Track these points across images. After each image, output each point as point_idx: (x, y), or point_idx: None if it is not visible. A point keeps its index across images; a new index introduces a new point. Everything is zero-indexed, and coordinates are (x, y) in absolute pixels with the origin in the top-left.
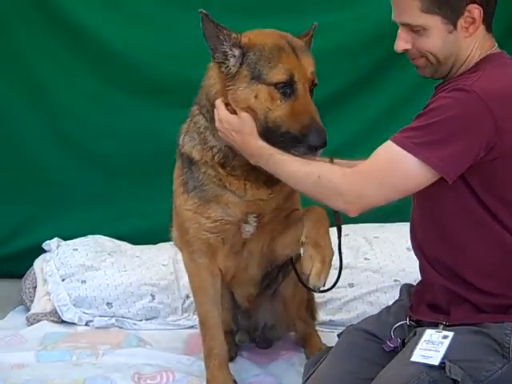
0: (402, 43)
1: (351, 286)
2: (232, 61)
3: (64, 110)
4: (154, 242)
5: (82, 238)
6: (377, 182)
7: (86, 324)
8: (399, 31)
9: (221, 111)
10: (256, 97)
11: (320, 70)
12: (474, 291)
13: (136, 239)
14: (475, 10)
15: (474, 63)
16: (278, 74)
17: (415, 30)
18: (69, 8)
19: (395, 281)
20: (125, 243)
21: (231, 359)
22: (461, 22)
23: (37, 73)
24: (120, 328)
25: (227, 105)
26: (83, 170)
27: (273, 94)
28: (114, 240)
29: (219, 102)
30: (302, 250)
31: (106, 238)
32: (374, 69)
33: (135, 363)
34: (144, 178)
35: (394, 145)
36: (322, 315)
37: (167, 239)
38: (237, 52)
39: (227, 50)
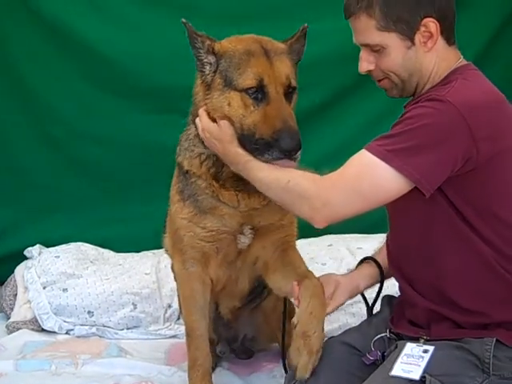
0: (365, 64)
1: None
2: (208, 68)
3: (51, 113)
4: (139, 249)
5: (64, 245)
6: (345, 189)
7: (67, 333)
8: (361, 53)
9: (203, 120)
10: (229, 104)
11: (303, 79)
12: (454, 309)
13: (120, 245)
14: (431, 24)
15: (442, 77)
16: (247, 79)
17: (375, 49)
18: (57, 13)
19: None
20: (108, 251)
21: (212, 370)
22: (418, 37)
23: (24, 77)
24: (101, 337)
25: (210, 114)
26: (68, 175)
27: (245, 100)
28: (96, 248)
29: (202, 112)
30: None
31: (88, 245)
32: (356, 80)
33: (115, 373)
34: (130, 184)
35: (367, 152)
36: None
37: (152, 245)
38: (212, 59)
39: (203, 57)
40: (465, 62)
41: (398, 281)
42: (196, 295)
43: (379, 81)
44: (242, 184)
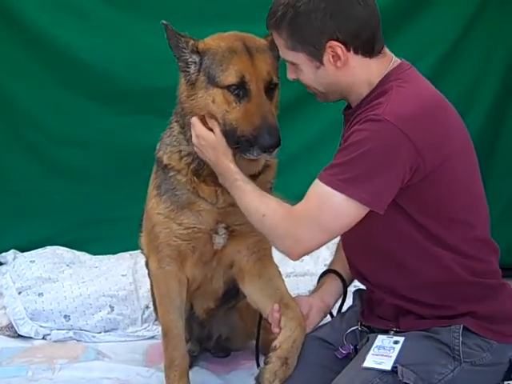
0: (289, 74)
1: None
2: (192, 68)
3: (26, 118)
4: (116, 250)
5: (40, 249)
6: (309, 224)
7: (43, 338)
8: (287, 64)
9: (197, 127)
10: (213, 101)
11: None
12: (416, 304)
13: (97, 247)
14: (337, 47)
15: (374, 84)
16: (229, 76)
17: (292, 62)
18: (33, 17)
19: (355, 286)
20: (84, 253)
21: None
22: (327, 58)
23: (0, 82)
24: (78, 341)
25: (204, 122)
26: (43, 179)
27: (227, 97)
28: (72, 251)
29: (195, 120)
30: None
31: (64, 248)
32: None
33: (93, 377)
34: (106, 186)
35: (322, 183)
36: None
37: (128, 247)
38: (196, 58)
39: (187, 57)
40: (398, 63)
41: (361, 283)
42: (172, 294)
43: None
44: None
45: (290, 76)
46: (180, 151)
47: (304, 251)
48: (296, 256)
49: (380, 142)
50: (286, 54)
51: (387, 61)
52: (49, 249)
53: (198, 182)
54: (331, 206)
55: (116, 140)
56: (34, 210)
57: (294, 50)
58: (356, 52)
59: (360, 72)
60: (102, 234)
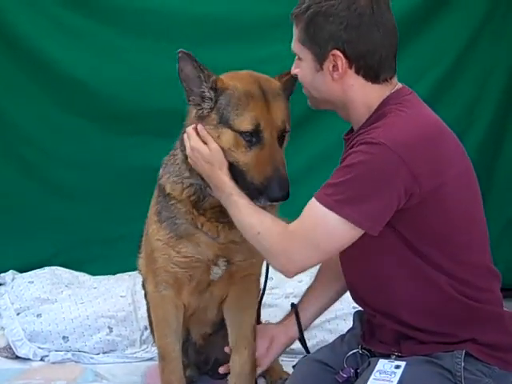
0: (293, 68)
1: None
2: (207, 103)
3: (22, 136)
4: (115, 271)
5: (39, 269)
6: (303, 244)
7: (41, 359)
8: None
9: (192, 139)
10: (219, 137)
11: None
12: (417, 330)
13: (96, 268)
14: (338, 58)
15: (373, 107)
16: (244, 123)
17: (298, 56)
18: (28, 36)
19: (354, 308)
20: (83, 274)
21: None
22: (327, 65)
23: None
24: (76, 362)
25: (198, 135)
26: (41, 199)
27: (238, 141)
28: (71, 271)
29: (191, 130)
30: None
31: (63, 269)
32: None
33: None
34: (104, 205)
35: (317, 203)
36: None
37: (128, 267)
38: (212, 94)
39: (205, 91)
40: (399, 87)
41: (361, 308)
42: (169, 318)
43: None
44: (223, 216)
45: (293, 70)
46: (182, 182)
47: (298, 270)
48: (291, 274)
49: (376, 164)
50: (296, 46)
51: (390, 87)
52: (47, 269)
53: (198, 214)
54: (325, 225)
55: (114, 160)
56: (33, 231)
57: (304, 44)
58: (357, 72)
59: (356, 92)
60: (101, 254)
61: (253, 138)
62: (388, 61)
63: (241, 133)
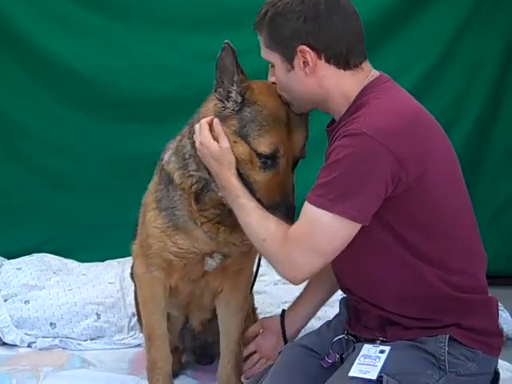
0: (269, 77)
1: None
2: (231, 105)
3: (16, 127)
4: (104, 258)
5: (27, 256)
6: (305, 249)
7: (29, 346)
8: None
9: (203, 134)
10: (235, 146)
11: None
12: (401, 317)
13: (85, 255)
14: (306, 53)
15: (352, 97)
16: (263, 146)
17: (271, 64)
18: (22, 26)
19: (342, 295)
20: (72, 261)
21: (175, 375)
22: (297, 62)
23: None
24: (64, 349)
25: (211, 129)
26: (32, 186)
27: (253, 159)
28: (60, 258)
29: (204, 123)
30: None
31: (51, 256)
32: None
33: None
34: (96, 193)
35: (310, 205)
36: None
37: (117, 254)
38: (239, 99)
39: (232, 93)
40: (376, 76)
41: (346, 295)
42: (157, 297)
43: None
44: (225, 218)
45: (270, 79)
46: (190, 175)
47: (303, 276)
48: (297, 281)
49: (361, 156)
50: (265, 53)
51: (365, 75)
52: (36, 256)
53: (199, 211)
54: (322, 227)
55: (107, 148)
56: (22, 218)
57: (270, 48)
58: (328, 61)
59: (331, 83)
60: (90, 242)
61: (268, 161)
62: (356, 46)
63: (258, 153)
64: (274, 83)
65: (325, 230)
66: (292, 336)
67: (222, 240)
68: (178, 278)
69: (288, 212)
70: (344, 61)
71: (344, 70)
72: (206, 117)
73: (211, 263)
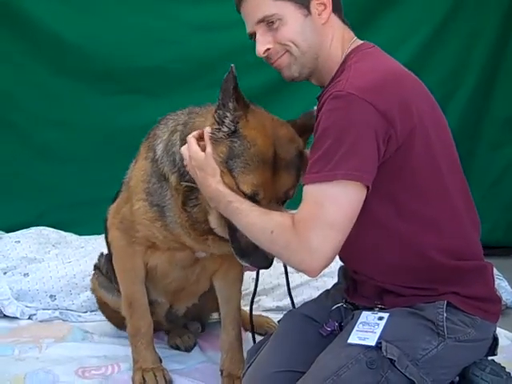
0: (263, 44)
1: (297, 271)
2: (224, 129)
3: (9, 99)
4: (101, 231)
5: (25, 229)
6: (316, 227)
7: (29, 318)
8: (257, 37)
9: (191, 148)
10: (223, 176)
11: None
12: (398, 286)
13: (83, 228)
14: None
15: (339, 60)
16: (245, 185)
17: (272, 21)
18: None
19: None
20: (70, 234)
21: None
22: (314, 6)
23: None
24: (64, 321)
25: (200, 139)
26: (28, 160)
27: (238, 192)
28: (59, 231)
29: (191, 139)
30: None
31: (50, 229)
32: None
33: (80, 356)
34: (91, 166)
35: (311, 185)
36: (268, 301)
37: None
38: (232, 128)
39: (226, 119)
40: (359, 43)
41: (345, 265)
42: (137, 269)
43: (277, 59)
44: (211, 230)
45: (263, 48)
46: (182, 173)
47: (323, 261)
48: (317, 269)
49: (348, 116)
50: (272, 7)
51: (351, 34)
52: (34, 229)
53: (187, 222)
54: (328, 200)
55: (101, 120)
56: (20, 192)
57: None
58: (334, 11)
59: (337, 36)
60: (88, 215)
61: (249, 198)
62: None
63: (240, 190)
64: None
65: (332, 201)
66: None
67: (213, 251)
68: (165, 261)
69: (264, 259)
70: (341, 10)
71: (343, 23)
72: (201, 128)
73: (201, 254)
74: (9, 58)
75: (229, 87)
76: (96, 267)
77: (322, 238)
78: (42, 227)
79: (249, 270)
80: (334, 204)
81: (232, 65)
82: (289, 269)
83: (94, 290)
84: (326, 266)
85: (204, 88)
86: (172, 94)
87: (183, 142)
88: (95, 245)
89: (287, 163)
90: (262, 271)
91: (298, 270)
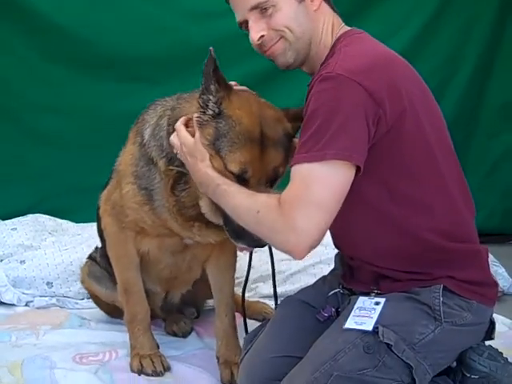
0: (257, 31)
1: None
2: (209, 112)
3: (5, 86)
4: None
5: (21, 217)
6: (302, 206)
7: (26, 305)
8: (250, 24)
9: (181, 134)
10: (212, 159)
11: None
12: (394, 271)
13: (79, 215)
14: None
15: (329, 45)
16: (233, 164)
17: (265, 8)
18: None
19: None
20: (66, 221)
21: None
22: None
23: None
24: (61, 308)
25: (188, 125)
26: (24, 146)
27: (227, 174)
28: (55, 219)
29: (180, 126)
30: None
31: (46, 216)
32: None
33: (77, 342)
34: (87, 152)
35: (299, 165)
36: (265, 288)
37: None
38: (216, 110)
39: (209, 102)
40: (347, 28)
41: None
42: (130, 255)
43: (271, 47)
44: (198, 216)
45: (257, 35)
46: (167, 157)
47: (308, 242)
48: (302, 250)
49: (337, 97)
50: None
51: (339, 20)
52: (30, 217)
53: (174, 207)
54: (317, 179)
55: (100, 107)
56: (16, 179)
57: None
58: None
59: (327, 23)
60: (84, 203)
61: (238, 178)
62: None
63: (228, 170)
64: (251, 96)
65: (321, 181)
66: None
67: (198, 239)
68: (156, 246)
69: (250, 241)
70: (330, 1)
71: (333, 10)
72: (188, 113)
73: (189, 241)
74: (8, 46)
75: (209, 70)
76: (90, 257)
77: (307, 218)
78: (38, 214)
79: (245, 249)
80: (321, 184)
81: (211, 48)
82: (286, 256)
83: (82, 282)
84: (312, 247)
85: None
86: (172, 80)
87: (171, 127)
88: (91, 232)
89: (275, 141)
90: (254, 256)
91: (284, 251)
